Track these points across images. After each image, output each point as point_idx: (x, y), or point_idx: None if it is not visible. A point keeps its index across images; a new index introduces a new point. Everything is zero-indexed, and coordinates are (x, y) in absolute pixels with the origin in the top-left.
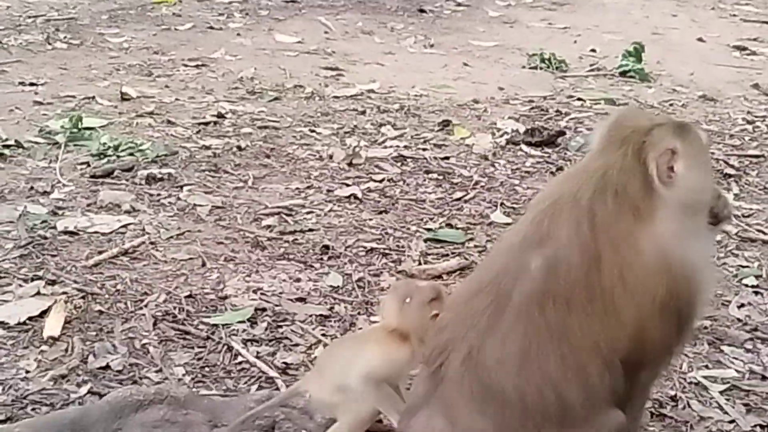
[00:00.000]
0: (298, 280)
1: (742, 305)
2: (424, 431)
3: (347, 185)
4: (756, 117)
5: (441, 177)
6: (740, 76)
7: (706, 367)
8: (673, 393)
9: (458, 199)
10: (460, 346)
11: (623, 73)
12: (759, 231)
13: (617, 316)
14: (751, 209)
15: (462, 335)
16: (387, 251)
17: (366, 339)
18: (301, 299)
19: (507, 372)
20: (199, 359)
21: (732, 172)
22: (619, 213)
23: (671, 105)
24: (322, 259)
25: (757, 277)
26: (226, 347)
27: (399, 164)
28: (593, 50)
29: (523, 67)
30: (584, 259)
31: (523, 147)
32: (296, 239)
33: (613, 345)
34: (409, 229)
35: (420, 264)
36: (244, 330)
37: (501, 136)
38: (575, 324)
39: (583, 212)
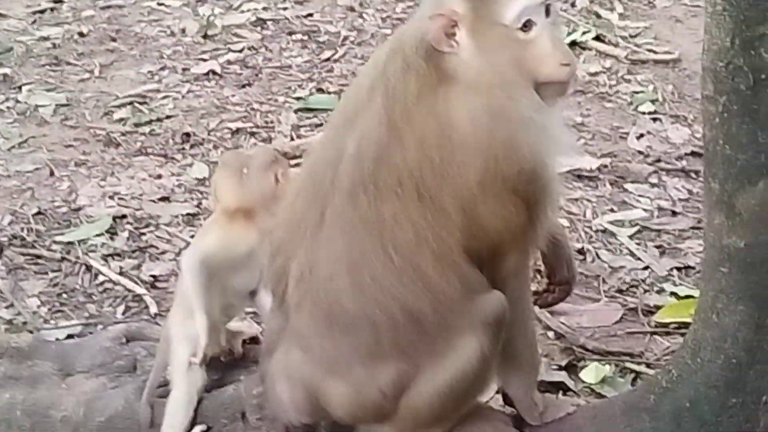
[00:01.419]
0: (159, 176)
1: (641, 135)
2: (284, 368)
3: (204, 60)
4: None
5: (306, 37)
6: None
7: (612, 210)
8: (579, 246)
9: (327, 60)
10: (294, 267)
11: None
12: (649, 51)
13: (435, 203)
14: (637, 27)
15: (293, 253)
16: (255, 129)
17: (205, 230)
18: (165, 198)
19: (339, 288)
20: (54, 285)
21: None
22: (412, 80)
23: None
24: (183, 148)
25: (653, 101)
26: (84, 267)
27: (259, 29)
28: None
29: None
30: (387, 137)
31: None
32: (153, 130)
33: (443, 237)
34: (276, 100)
35: (293, 139)
36: (104, 244)
37: None
38: (389, 215)
39: (378, 79)
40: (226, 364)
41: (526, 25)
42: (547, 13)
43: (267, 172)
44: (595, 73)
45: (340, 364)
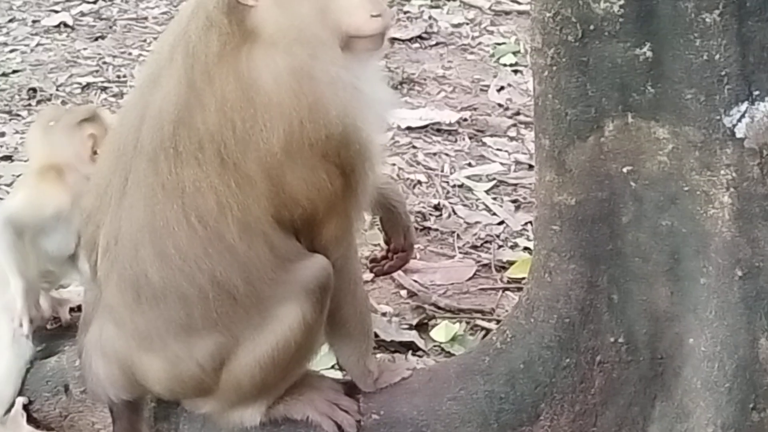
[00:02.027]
0: (2, 134)
1: (502, 88)
2: (98, 343)
3: (56, 12)
4: None
5: None
6: None
7: (469, 165)
8: (435, 201)
9: None
10: (101, 236)
11: None
12: (513, 1)
13: (239, 170)
14: None
15: (101, 221)
16: (106, 84)
17: (15, 189)
18: (7, 157)
19: (144, 258)
20: None
21: None
22: (211, 37)
23: None
24: (30, 105)
25: (515, 53)
26: None
27: None
28: None
29: None
30: (187, 98)
31: None
32: None
33: (248, 206)
34: (131, 54)
35: None
36: None
37: None
38: (190, 181)
39: (180, 36)
40: (52, 333)
41: None
42: None
43: (76, 130)
44: (458, 25)
45: (153, 338)
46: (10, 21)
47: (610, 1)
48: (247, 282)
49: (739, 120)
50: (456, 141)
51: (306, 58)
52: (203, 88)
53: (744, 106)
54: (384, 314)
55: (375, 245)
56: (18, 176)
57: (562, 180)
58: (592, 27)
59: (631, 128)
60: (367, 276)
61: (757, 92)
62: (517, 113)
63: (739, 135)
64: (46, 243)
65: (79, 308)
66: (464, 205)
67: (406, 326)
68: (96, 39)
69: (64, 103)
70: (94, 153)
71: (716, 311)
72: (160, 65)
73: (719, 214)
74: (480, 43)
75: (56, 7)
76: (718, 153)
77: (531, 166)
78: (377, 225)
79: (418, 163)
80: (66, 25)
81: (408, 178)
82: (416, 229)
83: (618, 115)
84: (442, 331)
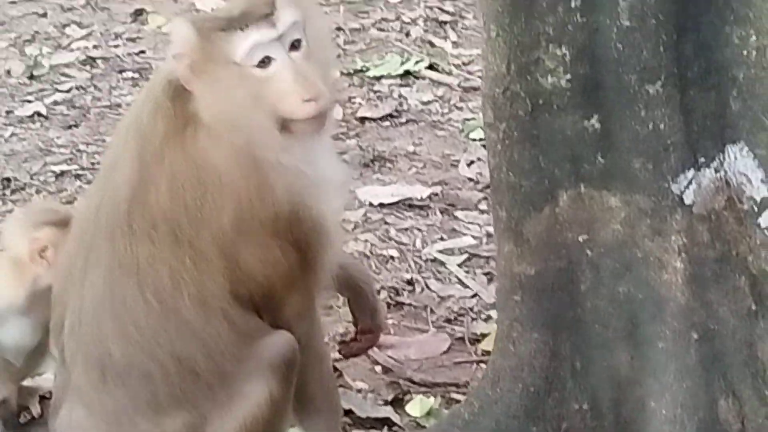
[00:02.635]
0: None
1: (472, 162)
2: (68, 427)
3: (29, 102)
4: None
5: (137, 75)
6: None
7: (442, 239)
8: (408, 276)
9: None
10: (68, 317)
11: None
12: (481, 78)
13: (193, 247)
14: (470, 55)
15: (67, 301)
16: (80, 172)
17: None
18: None
19: (106, 336)
20: None
21: (447, 18)
22: (159, 120)
23: None
24: (4, 194)
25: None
26: None
27: (88, 67)
28: None
29: None
30: (140, 178)
31: None
32: None
33: (204, 282)
34: (104, 141)
35: None
36: None
37: None
38: (144, 258)
39: (134, 120)
40: (24, 424)
41: (264, 62)
42: (295, 47)
43: (32, 230)
44: (428, 102)
45: (121, 419)
46: None
47: (558, 75)
48: (209, 358)
49: (687, 187)
50: (428, 216)
51: (244, 142)
52: (154, 168)
53: (691, 173)
54: (359, 390)
55: (348, 322)
56: None
57: (520, 251)
58: (541, 101)
59: (585, 198)
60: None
61: (702, 159)
62: (488, 187)
63: (687, 201)
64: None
65: (50, 396)
66: (437, 279)
67: (382, 402)
68: (70, 127)
69: (38, 191)
70: (42, 257)
71: (675, 374)
72: (117, 148)
73: (673, 279)
74: (450, 119)
75: (30, 98)
76: (669, 219)
77: None
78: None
79: (390, 238)
80: (40, 114)
81: (380, 254)
82: (389, 304)
83: (571, 186)
84: (417, 406)
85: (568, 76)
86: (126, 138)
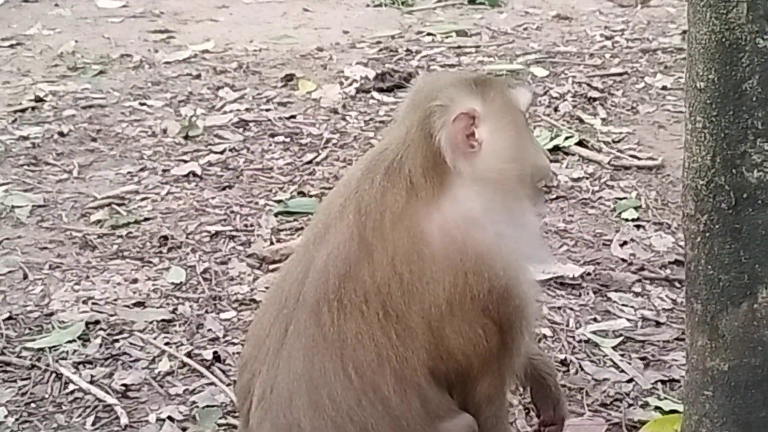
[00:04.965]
0: (135, 281)
1: (625, 243)
2: None
3: (185, 162)
4: (614, 32)
5: (288, 139)
6: None
7: (595, 320)
8: (562, 356)
9: (309, 162)
10: (258, 384)
11: (472, 1)
12: (632, 156)
13: (401, 322)
14: (620, 133)
15: (257, 371)
16: (234, 233)
17: None
18: (140, 304)
19: (298, 408)
20: (23, 394)
21: (596, 95)
22: (388, 194)
23: (525, 29)
24: (161, 252)
25: (636, 208)
26: (54, 375)
27: (241, 130)
28: None
29: (367, 5)
30: (357, 253)
31: (375, 94)
32: (130, 232)
33: (407, 358)
34: (257, 203)
35: (272, 243)
36: (75, 351)
37: (350, 84)
38: (352, 333)
39: (351, 196)
40: None
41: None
42: None
43: None
44: (578, 179)
45: None
46: (141, 170)
47: (764, 169)
48: None
49: None
50: (580, 295)
51: (497, 208)
52: (374, 244)
53: None
54: None
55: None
56: (150, 323)
57: (714, 345)
58: (745, 195)
59: None
60: None
61: None
62: (642, 269)
63: None
64: None
65: None
66: (591, 361)
67: None
68: (223, 188)
69: (193, 251)
70: None
71: None
72: (327, 224)
73: None
74: (600, 198)
75: (185, 157)
76: None
77: (658, 323)
78: None
79: (543, 317)
80: (195, 174)
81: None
82: None
83: None
84: None
85: None
86: (342, 214)
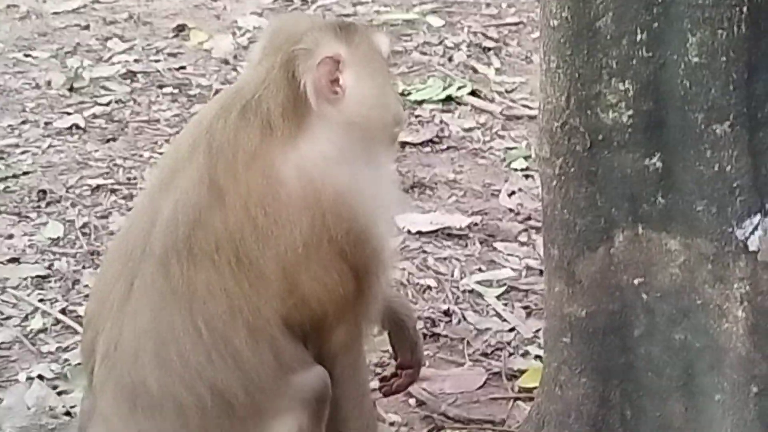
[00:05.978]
0: (11, 236)
1: (513, 193)
2: None
3: (68, 114)
4: None
5: (177, 90)
6: None
7: (480, 270)
8: (445, 307)
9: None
10: (101, 341)
11: None
12: (524, 106)
13: (254, 269)
14: (514, 83)
15: (101, 328)
16: (116, 186)
17: None
18: (14, 260)
19: (144, 366)
20: None
21: (491, 44)
22: (242, 133)
23: None
24: (39, 206)
25: (526, 158)
26: None
27: (128, 81)
28: None
29: None
30: (207, 197)
31: None
32: (8, 187)
33: (260, 308)
34: (141, 156)
35: None
36: None
37: (243, 35)
38: (202, 284)
39: (201, 136)
40: None
41: None
42: None
43: None
44: (470, 129)
45: None
46: (23, 123)
47: (619, 110)
48: (248, 392)
49: (752, 233)
50: (466, 246)
51: (356, 153)
52: (226, 187)
53: (757, 219)
54: (392, 424)
55: (384, 351)
56: (25, 279)
57: (571, 291)
58: (600, 137)
59: (642, 239)
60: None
61: None
62: (528, 218)
63: (752, 248)
64: None
65: None
66: (474, 311)
67: None
68: (107, 141)
69: (73, 205)
70: None
71: (731, 429)
72: (174, 168)
73: (733, 328)
74: (491, 148)
75: (69, 110)
76: (731, 266)
77: (542, 272)
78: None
79: (428, 267)
80: (78, 127)
81: (418, 283)
82: (425, 335)
83: (628, 226)
84: None
85: (631, 112)
86: (191, 156)
